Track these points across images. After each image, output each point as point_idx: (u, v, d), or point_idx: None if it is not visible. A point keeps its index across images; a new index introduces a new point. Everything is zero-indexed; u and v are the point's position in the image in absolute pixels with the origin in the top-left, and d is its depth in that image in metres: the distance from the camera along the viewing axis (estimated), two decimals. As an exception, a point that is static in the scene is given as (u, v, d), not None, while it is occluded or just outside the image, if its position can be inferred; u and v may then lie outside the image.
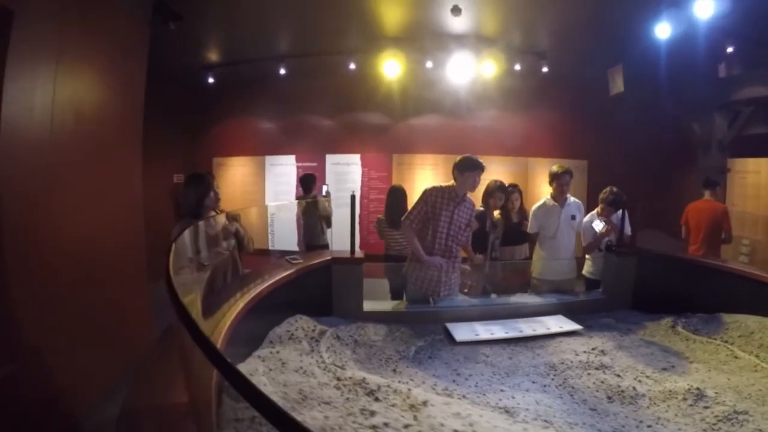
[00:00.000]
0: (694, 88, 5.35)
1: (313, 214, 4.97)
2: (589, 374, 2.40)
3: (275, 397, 1.89)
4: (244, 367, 2.04)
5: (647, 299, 3.16)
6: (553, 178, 3.57)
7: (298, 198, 5.20)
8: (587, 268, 3.80)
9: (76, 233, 3.06)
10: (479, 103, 5.72)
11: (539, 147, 6.02)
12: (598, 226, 3.49)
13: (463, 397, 2.15)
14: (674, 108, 5.55)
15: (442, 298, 3.13)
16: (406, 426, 1.64)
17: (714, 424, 1.89)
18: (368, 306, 2.99)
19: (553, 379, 2.41)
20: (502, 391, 2.32)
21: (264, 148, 6.17)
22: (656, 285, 3.13)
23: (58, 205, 2.91)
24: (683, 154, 5.72)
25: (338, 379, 2.05)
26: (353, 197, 3.08)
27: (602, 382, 2.32)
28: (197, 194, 2.96)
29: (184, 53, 5.21)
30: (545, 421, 2.07)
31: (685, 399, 2.09)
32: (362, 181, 5.90)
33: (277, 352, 2.30)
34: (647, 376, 2.34)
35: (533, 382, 2.39)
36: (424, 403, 1.85)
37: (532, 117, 6.01)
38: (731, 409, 1.91)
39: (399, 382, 2.24)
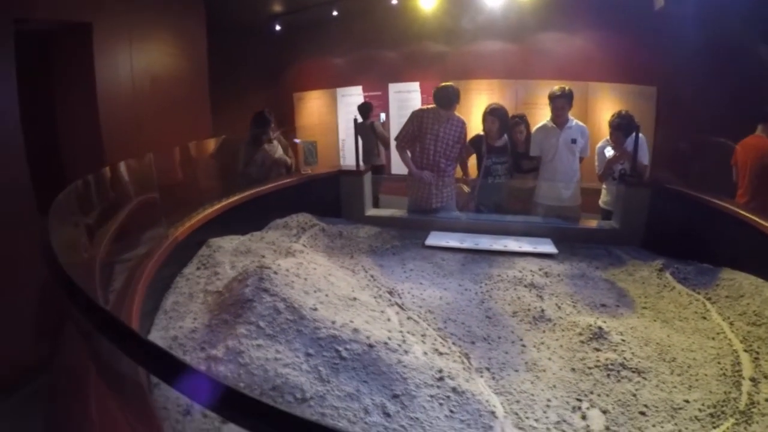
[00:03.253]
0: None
1: (369, 138, 5.59)
2: (515, 289, 2.34)
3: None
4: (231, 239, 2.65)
5: (660, 238, 2.69)
6: (549, 99, 3.48)
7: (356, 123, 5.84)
8: (602, 198, 3.61)
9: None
10: (533, 25, 5.49)
11: (601, 71, 5.37)
12: (609, 152, 3.36)
13: (382, 285, 2.37)
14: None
15: (436, 210, 3.40)
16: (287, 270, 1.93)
17: (588, 367, 1.76)
18: (370, 212, 3.46)
19: (480, 286, 2.44)
20: (421, 284, 2.49)
21: (334, 81, 6.99)
22: (671, 224, 2.63)
23: (143, 143, 3.98)
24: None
25: (289, 252, 2.43)
26: (355, 120, 3.66)
27: (519, 298, 2.25)
28: (256, 127, 3.88)
29: (252, 9, 6.25)
30: (428, 311, 2.15)
31: (580, 334, 1.91)
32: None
33: (266, 233, 2.93)
34: (571, 306, 2.14)
35: (459, 285, 2.48)
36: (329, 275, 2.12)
37: (592, 38, 5.43)
38: (619, 363, 1.72)
39: (341, 265, 2.60)
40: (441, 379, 1.56)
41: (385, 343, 1.61)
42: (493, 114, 3.48)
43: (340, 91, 6.99)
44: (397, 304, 2.17)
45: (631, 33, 5.07)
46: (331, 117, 7.18)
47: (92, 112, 3.68)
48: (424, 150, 3.28)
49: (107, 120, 3.76)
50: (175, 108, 4.46)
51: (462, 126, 3.32)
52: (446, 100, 3.13)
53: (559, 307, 2.14)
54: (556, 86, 3.48)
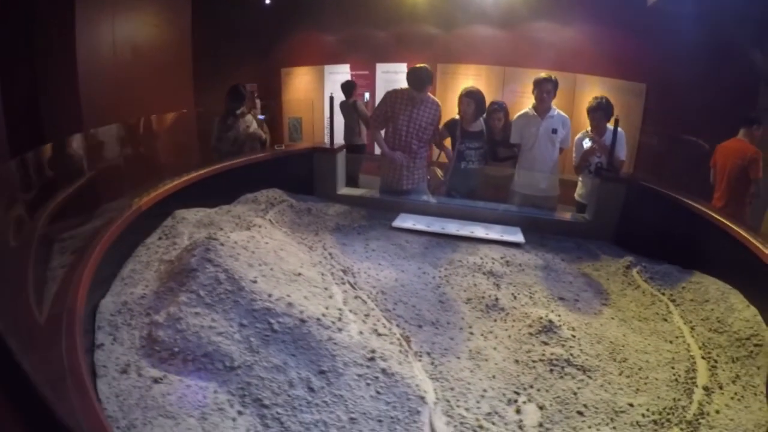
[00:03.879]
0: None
1: (351, 117, 5.60)
2: (473, 276, 2.33)
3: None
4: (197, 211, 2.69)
5: (632, 235, 2.65)
6: (534, 85, 3.40)
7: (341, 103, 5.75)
8: (578, 191, 3.56)
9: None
10: (525, 13, 5.45)
11: (590, 64, 5.31)
12: (587, 143, 3.30)
13: (337, 263, 2.38)
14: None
15: (407, 191, 3.40)
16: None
17: (533, 361, 1.75)
18: (342, 191, 3.47)
19: (439, 271, 2.43)
20: (379, 264, 2.49)
21: (323, 58, 6.98)
22: (645, 222, 2.58)
23: (122, 112, 4.17)
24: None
25: (250, 226, 2.47)
26: (332, 98, 3.67)
27: (475, 285, 2.24)
28: (231, 102, 3.94)
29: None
30: (381, 292, 2.15)
31: (530, 326, 1.88)
32: None
33: (234, 207, 2.96)
34: (527, 297, 2.10)
35: (419, 268, 2.48)
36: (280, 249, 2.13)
37: (584, 30, 5.36)
38: (565, 359, 1.70)
39: (301, 240, 2.62)
40: (372, 359, 1.56)
41: (318, 319, 1.62)
42: (469, 96, 3.43)
43: (328, 68, 6.99)
44: (348, 282, 2.18)
45: (623, 28, 5.02)
46: (318, 94, 7.18)
47: (72, 79, 3.72)
48: (396, 131, 3.29)
49: (86, 88, 3.80)
50: (157, 78, 4.52)
51: (436, 108, 3.31)
52: (419, 81, 3.11)
53: (515, 297, 2.12)
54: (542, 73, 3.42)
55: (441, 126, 3.51)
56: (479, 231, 2.76)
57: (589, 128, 3.38)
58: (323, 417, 1.35)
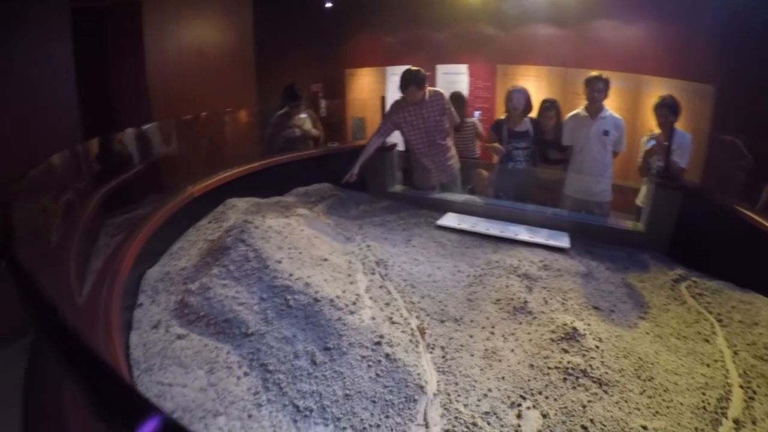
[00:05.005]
0: None
1: None
2: (507, 278, 2.29)
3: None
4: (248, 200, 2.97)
5: (688, 248, 2.42)
6: (585, 84, 3.29)
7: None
8: (639, 196, 3.29)
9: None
10: (586, 11, 5.14)
11: (655, 64, 4.83)
12: (649, 143, 3.10)
13: (373, 254, 2.47)
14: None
15: (446, 185, 3.46)
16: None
17: (548, 367, 1.70)
18: (394, 188, 3.56)
19: (474, 270, 2.43)
20: (416, 260, 2.56)
21: (384, 60, 7.00)
22: (701, 234, 2.34)
23: (188, 111, 4.54)
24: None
25: (292, 215, 2.63)
26: (383, 99, 3.69)
27: (507, 287, 2.21)
28: (286, 101, 4.13)
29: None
30: (410, 285, 2.22)
31: (553, 332, 1.84)
32: (469, 90, 6.12)
33: (285, 198, 3.19)
34: (560, 303, 2.05)
35: (455, 266, 2.51)
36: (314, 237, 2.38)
37: (649, 29, 4.91)
38: (581, 369, 1.63)
39: (342, 230, 2.77)
40: (378, 344, 1.64)
41: (331, 300, 1.73)
42: (515, 93, 3.40)
43: (390, 69, 7.04)
44: (379, 273, 2.26)
45: (690, 26, 4.60)
46: (380, 94, 7.26)
47: (142, 82, 4.22)
48: (417, 135, 3.34)
49: (155, 89, 4.28)
50: (220, 79, 4.95)
51: (438, 97, 3.31)
52: (402, 82, 3.16)
53: (546, 302, 2.06)
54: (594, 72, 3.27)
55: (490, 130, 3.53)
56: (524, 234, 2.70)
57: (655, 130, 3.15)
58: (320, 389, 1.46)
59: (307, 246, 2.10)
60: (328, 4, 7.09)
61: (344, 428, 1.37)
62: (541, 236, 2.65)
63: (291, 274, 1.80)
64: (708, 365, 1.67)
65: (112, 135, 3.23)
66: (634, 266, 2.39)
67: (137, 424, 0.44)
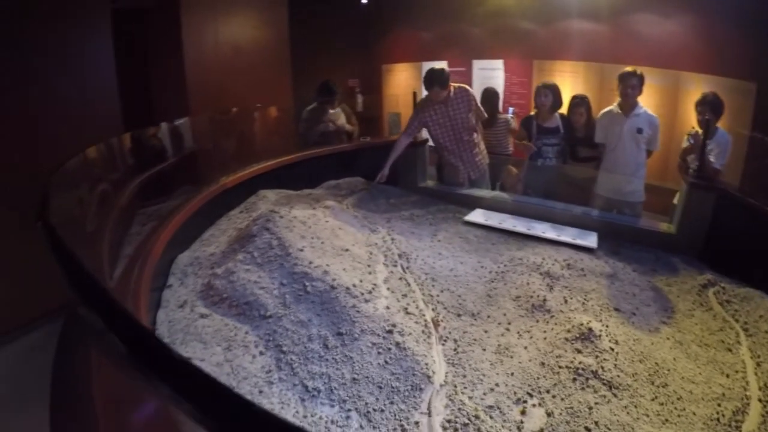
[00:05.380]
0: None
1: None
2: (529, 275, 2.29)
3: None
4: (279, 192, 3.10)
5: (720, 252, 2.31)
6: (618, 80, 3.19)
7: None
8: (677, 197, 3.07)
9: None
10: (624, 5, 4.97)
11: (695, 61, 4.57)
12: (687, 141, 3.04)
13: (396, 247, 2.53)
14: None
15: (475, 181, 3.48)
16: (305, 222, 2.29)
17: (559, 366, 1.70)
18: (424, 183, 3.61)
19: (497, 266, 2.44)
20: (440, 254, 2.60)
21: (421, 55, 6.97)
22: (735, 238, 2.22)
23: (224, 99, 4.82)
24: None
25: (319, 206, 2.74)
26: (414, 94, 3.71)
27: (528, 284, 2.20)
28: (321, 96, 4.23)
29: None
30: (431, 278, 2.27)
31: (568, 331, 1.84)
32: (505, 86, 6.06)
33: (316, 190, 3.30)
34: (580, 303, 2.03)
35: (478, 262, 2.53)
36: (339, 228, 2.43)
37: (688, 24, 4.68)
38: (592, 371, 1.62)
39: (369, 223, 2.84)
40: (390, 332, 1.70)
41: (347, 288, 1.80)
42: (545, 89, 3.37)
43: (426, 65, 7.09)
44: (401, 265, 2.31)
45: (731, 21, 4.35)
46: (417, 90, 7.28)
47: (180, 78, 4.43)
48: (444, 133, 3.37)
49: (193, 85, 4.48)
50: (257, 75, 5.11)
51: (464, 93, 3.33)
52: (425, 82, 3.21)
53: (566, 301, 2.04)
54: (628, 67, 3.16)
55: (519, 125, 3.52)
56: (551, 232, 2.67)
57: (696, 127, 3.01)
58: (329, 371, 1.54)
59: (330, 236, 2.19)
60: (364, 0, 7.16)
61: (348, 410, 1.44)
62: (568, 235, 2.61)
63: (311, 262, 1.89)
64: (728, 375, 1.62)
65: (148, 129, 3.45)
66: (662, 269, 2.31)
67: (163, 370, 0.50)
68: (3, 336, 2.91)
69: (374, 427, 1.41)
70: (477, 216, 2.97)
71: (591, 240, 2.53)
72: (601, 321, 1.89)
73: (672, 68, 4.69)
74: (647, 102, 3.23)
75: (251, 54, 5.10)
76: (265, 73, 5.25)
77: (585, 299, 2.06)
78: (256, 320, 1.70)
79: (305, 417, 1.39)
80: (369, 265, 2.12)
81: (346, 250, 2.13)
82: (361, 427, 1.41)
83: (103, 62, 3.55)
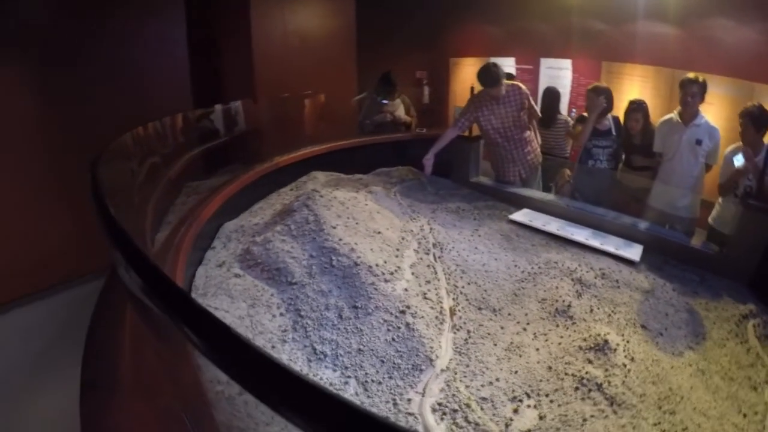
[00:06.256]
0: None
1: None
2: (561, 279, 2.27)
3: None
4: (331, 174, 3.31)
5: None
6: (679, 86, 3.05)
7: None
8: (713, 214, 3.05)
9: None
10: (701, 9, 4.55)
11: None
12: (739, 160, 2.81)
13: (432, 237, 2.61)
14: None
15: (526, 180, 3.45)
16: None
17: (565, 373, 1.71)
18: (476, 179, 3.63)
19: (531, 267, 2.43)
20: (476, 248, 2.64)
21: (488, 50, 6.73)
22: None
23: (290, 91, 5.01)
24: None
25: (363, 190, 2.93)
26: (472, 89, 3.69)
27: (557, 288, 2.19)
28: (381, 85, 4.29)
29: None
30: (461, 270, 2.34)
31: (584, 340, 1.83)
32: (571, 87, 5.78)
33: (367, 176, 3.48)
34: (606, 314, 2.00)
35: (513, 261, 2.53)
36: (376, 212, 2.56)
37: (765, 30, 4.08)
38: (597, 383, 1.60)
39: (412, 209, 2.98)
40: (402, 312, 1.81)
41: (369, 267, 1.93)
42: (595, 92, 3.27)
43: (494, 60, 6.87)
44: (433, 254, 2.38)
45: None
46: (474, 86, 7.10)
47: (248, 62, 4.71)
48: (495, 129, 3.36)
49: (260, 70, 4.74)
50: (322, 63, 5.31)
51: (517, 91, 3.33)
52: (490, 79, 3.20)
53: (591, 311, 2.01)
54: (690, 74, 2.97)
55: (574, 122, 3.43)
56: (594, 240, 2.59)
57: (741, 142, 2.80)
58: (339, 339, 1.68)
59: (365, 218, 2.31)
60: None
61: (349, 377, 1.58)
62: (612, 244, 2.52)
63: (340, 239, 2.03)
64: (745, 415, 1.53)
65: (206, 109, 3.79)
66: (705, 292, 2.16)
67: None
68: (79, 277, 3.41)
69: (369, 396, 1.53)
70: (522, 216, 2.95)
71: (634, 252, 2.43)
72: (622, 335, 1.85)
73: (747, 79, 4.30)
74: (718, 113, 3.00)
75: (317, 42, 5.31)
76: (331, 62, 5.45)
77: (612, 311, 2.01)
78: (283, 285, 1.88)
79: (307, 376, 1.55)
80: (398, 249, 2.22)
81: (378, 232, 2.25)
82: (356, 393, 1.54)
83: (176, 48, 3.98)
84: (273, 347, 1.59)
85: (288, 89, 4.94)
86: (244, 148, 4.04)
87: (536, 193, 3.26)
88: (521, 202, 3.16)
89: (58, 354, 2.49)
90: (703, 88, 2.92)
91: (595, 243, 2.54)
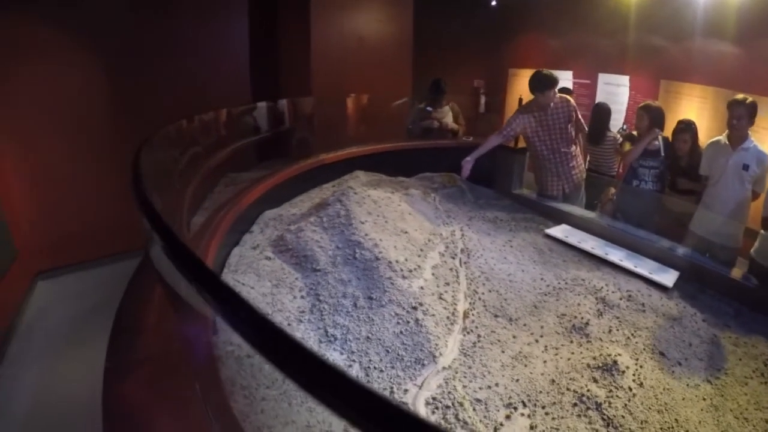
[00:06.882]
0: None
1: None
2: (584, 297, 2.26)
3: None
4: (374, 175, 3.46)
5: None
6: (727, 108, 2.91)
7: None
8: (756, 246, 2.84)
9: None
10: (765, 29, 4.17)
11: None
12: None
13: (461, 243, 2.66)
14: None
15: (568, 195, 3.40)
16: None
17: (567, 389, 1.71)
18: (518, 191, 3.62)
19: (558, 282, 2.43)
20: (505, 258, 2.66)
21: (547, 63, 6.51)
22: None
23: (345, 91, 5.29)
24: None
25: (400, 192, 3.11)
26: (520, 100, 3.78)
27: (579, 305, 2.18)
28: (431, 94, 4.37)
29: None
30: (485, 277, 2.40)
31: (594, 359, 1.83)
32: (628, 104, 5.61)
33: (408, 179, 3.56)
34: (625, 337, 1.97)
35: (540, 274, 2.52)
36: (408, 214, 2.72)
37: None
38: (597, 403, 1.60)
39: (448, 214, 3.04)
40: (414, 308, 1.90)
41: (390, 262, 2.04)
42: (644, 110, 3.21)
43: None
44: (460, 259, 2.44)
45: None
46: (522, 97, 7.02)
47: (306, 62, 4.95)
48: (541, 140, 3.34)
49: (317, 70, 4.97)
50: (378, 67, 5.43)
51: (566, 104, 3.30)
52: (540, 83, 3.20)
53: (610, 331, 1.98)
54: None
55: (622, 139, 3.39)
56: (629, 261, 2.51)
57: None
58: (350, 325, 1.81)
59: (395, 218, 2.43)
60: (494, 2, 7.17)
61: (354, 361, 1.70)
62: (646, 268, 2.43)
63: (366, 234, 2.16)
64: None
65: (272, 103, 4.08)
66: (737, 327, 2.04)
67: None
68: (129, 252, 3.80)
69: (369, 381, 1.64)
70: (559, 231, 2.92)
71: (668, 278, 2.33)
72: (636, 359, 1.81)
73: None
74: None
75: (374, 46, 5.47)
76: (386, 66, 5.59)
77: (632, 334, 1.97)
78: (307, 271, 2.04)
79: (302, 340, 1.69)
80: (422, 250, 2.31)
81: (405, 232, 2.35)
82: (357, 377, 1.66)
83: (239, 47, 4.32)
84: (289, 325, 1.75)
85: (344, 90, 5.16)
86: (305, 143, 4.33)
87: (576, 210, 3.20)
88: (561, 218, 3.12)
89: (95, 322, 2.82)
90: (750, 109, 2.76)
91: (629, 264, 2.48)
